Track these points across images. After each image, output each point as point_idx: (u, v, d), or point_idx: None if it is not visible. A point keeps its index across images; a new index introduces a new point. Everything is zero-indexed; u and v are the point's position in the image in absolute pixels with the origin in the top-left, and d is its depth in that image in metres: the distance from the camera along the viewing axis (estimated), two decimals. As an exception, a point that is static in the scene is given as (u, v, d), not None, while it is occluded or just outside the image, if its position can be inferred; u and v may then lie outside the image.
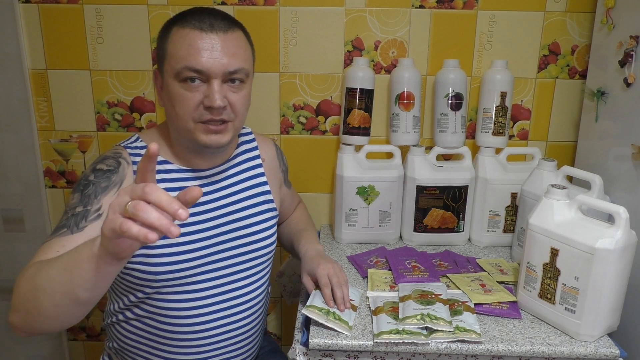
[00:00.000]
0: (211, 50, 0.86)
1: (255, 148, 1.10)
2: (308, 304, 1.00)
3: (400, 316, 0.96)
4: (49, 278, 0.71)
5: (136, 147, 0.96)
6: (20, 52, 1.41)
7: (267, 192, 1.08)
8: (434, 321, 0.93)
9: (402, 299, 1.02)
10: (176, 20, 0.90)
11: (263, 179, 1.08)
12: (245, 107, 0.94)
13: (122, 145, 0.97)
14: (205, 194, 0.99)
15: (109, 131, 1.50)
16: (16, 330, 0.77)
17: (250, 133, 1.13)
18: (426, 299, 1.01)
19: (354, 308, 1.03)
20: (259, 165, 1.09)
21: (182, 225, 0.94)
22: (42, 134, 1.50)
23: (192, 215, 0.96)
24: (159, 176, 0.95)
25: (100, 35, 1.42)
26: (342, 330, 0.95)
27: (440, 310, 0.97)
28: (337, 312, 0.99)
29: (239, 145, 1.08)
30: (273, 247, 1.08)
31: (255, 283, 1.05)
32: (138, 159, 0.94)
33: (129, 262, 0.93)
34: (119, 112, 1.48)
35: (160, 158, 0.96)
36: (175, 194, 0.93)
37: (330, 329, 0.96)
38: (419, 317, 0.94)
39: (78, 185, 0.90)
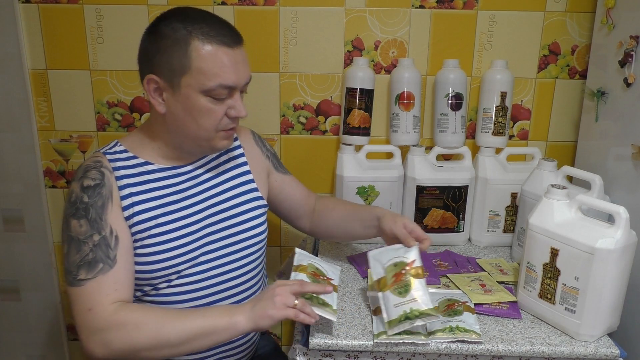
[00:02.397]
0: (237, 65, 0.91)
1: (235, 139, 1.11)
2: (386, 320, 0.93)
3: (375, 331, 0.95)
4: (179, 336, 0.86)
5: (115, 152, 0.97)
6: (20, 52, 1.41)
7: (251, 181, 1.08)
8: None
9: (375, 311, 1.00)
10: (191, 31, 0.88)
11: (246, 167, 1.09)
12: None
13: (102, 152, 0.98)
14: (189, 188, 1.00)
15: (109, 131, 1.50)
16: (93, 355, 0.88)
17: None
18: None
19: (420, 274, 0.96)
20: (241, 155, 1.10)
21: (173, 221, 0.96)
22: (42, 134, 1.50)
23: (179, 210, 0.97)
24: (142, 177, 0.96)
25: (100, 35, 1.42)
26: (429, 319, 0.89)
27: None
28: (413, 306, 0.91)
29: None
30: (263, 236, 1.08)
31: (248, 274, 1.06)
32: (118, 163, 0.95)
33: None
34: (119, 112, 1.48)
35: (140, 160, 0.98)
36: (160, 192, 0.97)
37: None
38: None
39: (77, 210, 0.90)
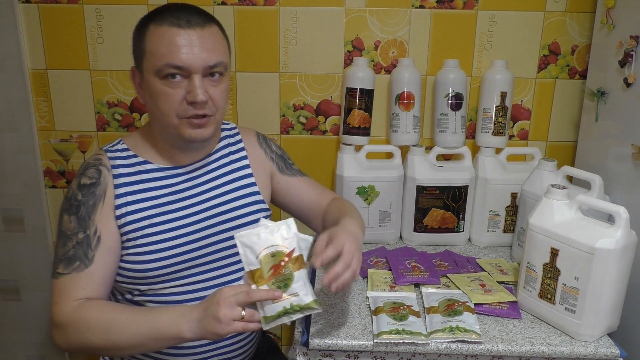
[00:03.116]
0: (190, 46, 0.88)
1: (240, 141, 1.10)
2: (262, 316, 0.84)
3: (375, 331, 0.95)
4: (127, 340, 0.86)
5: (117, 150, 0.98)
6: (20, 52, 1.41)
7: (253, 185, 1.06)
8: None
9: (375, 311, 1.01)
10: (152, 17, 0.91)
11: (248, 170, 1.07)
12: (225, 101, 0.96)
13: (104, 149, 0.99)
14: (186, 189, 0.99)
15: (109, 131, 1.50)
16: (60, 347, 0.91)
17: (234, 127, 1.12)
18: (399, 312, 1.00)
19: (301, 264, 0.85)
20: (244, 158, 1.08)
21: (168, 221, 0.96)
22: (42, 134, 1.50)
23: (175, 210, 0.97)
24: (138, 177, 0.97)
25: (100, 35, 1.42)
26: (311, 311, 0.83)
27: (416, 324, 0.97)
28: (294, 301, 0.83)
29: (221, 139, 1.08)
30: None
31: None
32: (118, 162, 0.96)
33: (120, 261, 0.94)
34: (119, 112, 1.48)
35: (139, 159, 0.98)
36: (155, 192, 0.96)
37: (299, 319, 0.87)
38: (394, 332, 0.94)
39: (70, 206, 0.93)
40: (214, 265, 1.00)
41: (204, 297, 0.98)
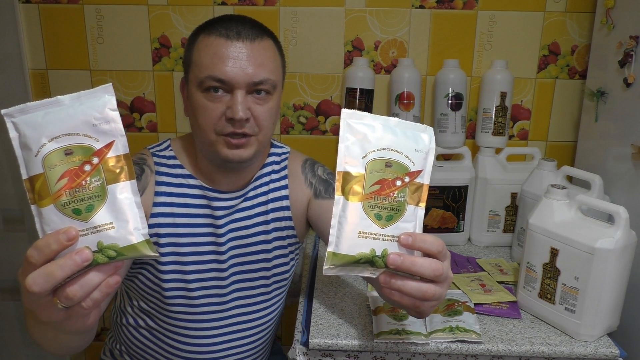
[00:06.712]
0: (236, 59, 0.82)
1: (284, 169, 1.01)
2: (332, 251, 0.58)
3: (375, 331, 0.95)
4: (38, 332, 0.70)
5: (164, 157, 0.93)
6: (20, 52, 1.41)
7: (288, 219, 0.99)
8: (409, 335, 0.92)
9: (375, 311, 1.01)
10: (204, 27, 0.86)
11: (286, 202, 0.99)
12: (271, 121, 0.89)
13: (151, 151, 0.94)
14: (222, 216, 0.94)
15: (109, 131, 1.50)
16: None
17: (286, 153, 1.03)
18: (399, 312, 0.99)
19: (420, 199, 0.60)
20: (284, 187, 0.99)
21: (192, 245, 0.92)
22: (42, 134, 1.50)
23: (205, 235, 0.93)
24: (181, 190, 0.92)
25: (100, 35, 1.42)
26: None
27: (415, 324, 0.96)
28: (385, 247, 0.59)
29: (266, 164, 0.99)
30: (289, 274, 1.04)
31: (267, 309, 1.03)
32: (162, 169, 0.92)
33: (136, 266, 0.92)
34: (119, 112, 1.48)
35: (185, 171, 0.93)
36: (198, 210, 0.92)
37: None
38: (394, 331, 0.93)
39: None
40: (235, 295, 0.98)
41: (221, 326, 0.97)
